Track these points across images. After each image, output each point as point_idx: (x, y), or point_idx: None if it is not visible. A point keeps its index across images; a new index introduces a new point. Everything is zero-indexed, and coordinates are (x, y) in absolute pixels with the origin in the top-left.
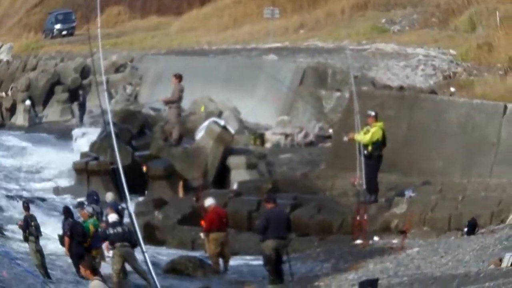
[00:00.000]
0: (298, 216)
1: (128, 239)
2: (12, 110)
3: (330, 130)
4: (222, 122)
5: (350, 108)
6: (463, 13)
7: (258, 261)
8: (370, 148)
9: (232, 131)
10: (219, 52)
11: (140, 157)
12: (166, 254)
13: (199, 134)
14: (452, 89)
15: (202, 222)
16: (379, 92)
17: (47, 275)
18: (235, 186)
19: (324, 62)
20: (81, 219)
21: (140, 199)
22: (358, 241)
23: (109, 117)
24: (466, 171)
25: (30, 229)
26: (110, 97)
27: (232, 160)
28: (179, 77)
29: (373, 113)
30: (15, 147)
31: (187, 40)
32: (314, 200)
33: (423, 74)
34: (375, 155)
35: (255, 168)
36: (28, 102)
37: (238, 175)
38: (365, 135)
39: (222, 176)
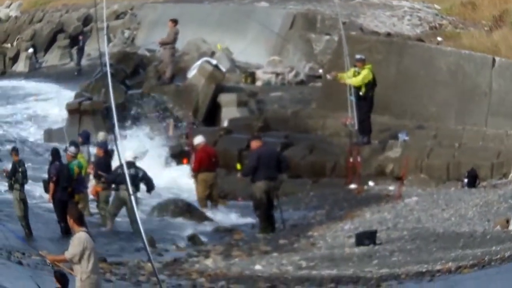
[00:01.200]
0: (289, 156)
1: (135, 184)
2: (15, 59)
3: (320, 71)
4: (214, 61)
5: (339, 50)
6: None
7: (248, 207)
8: (363, 89)
9: (224, 69)
10: (213, 0)
11: (133, 95)
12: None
13: (191, 73)
14: (439, 39)
15: (185, 161)
16: (368, 37)
17: (28, 227)
18: (225, 124)
19: (313, 9)
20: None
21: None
22: (353, 186)
23: (107, 58)
24: (460, 118)
25: (17, 175)
26: (109, 41)
27: (223, 98)
28: (174, 22)
29: (361, 57)
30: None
31: None
32: (306, 140)
33: (409, 24)
34: (369, 96)
35: (246, 105)
36: (30, 50)
37: (229, 112)
38: (356, 78)
39: (213, 114)
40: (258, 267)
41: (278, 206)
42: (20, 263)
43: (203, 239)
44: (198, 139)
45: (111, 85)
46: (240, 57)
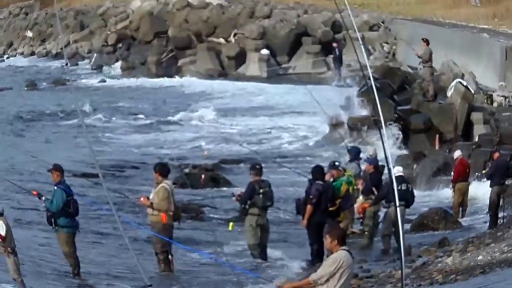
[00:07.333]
0: None
1: (406, 199)
2: (239, 58)
3: None
4: (465, 83)
5: None
6: None
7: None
8: None
9: (472, 91)
10: (451, 25)
11: (402, 111)
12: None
13: (449, 92)
14: None
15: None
16: None
17: (263, 257)
18: (476, 139)
19: None
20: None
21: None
22: None
23: (369, 71)
24: None
25: (256, 198)
26: (368, 53)
27: (475, 116)
28: (426, 41)
29: None
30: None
31: (424, 11)
32: None
33: None
34: None
35: (488, 123)
36: (265, 51)
37: (479, 129)
38: None
39: (467, 130)
40: (480, 257)
41: (502, 206)
42: None
43: (452, 241)
44: (457, 153)
45: (378, 100)
46: (479, 80)
